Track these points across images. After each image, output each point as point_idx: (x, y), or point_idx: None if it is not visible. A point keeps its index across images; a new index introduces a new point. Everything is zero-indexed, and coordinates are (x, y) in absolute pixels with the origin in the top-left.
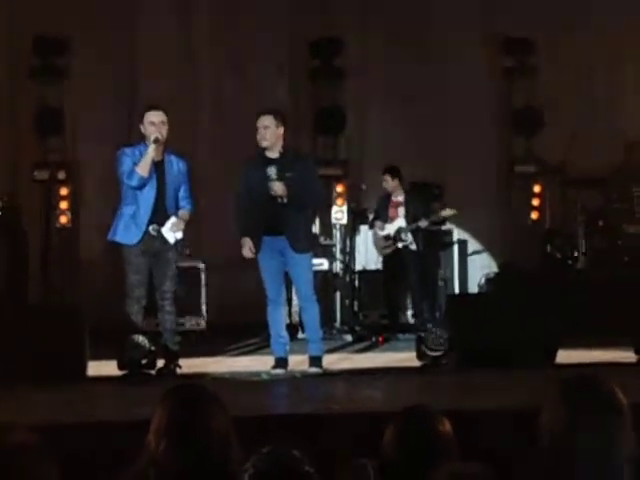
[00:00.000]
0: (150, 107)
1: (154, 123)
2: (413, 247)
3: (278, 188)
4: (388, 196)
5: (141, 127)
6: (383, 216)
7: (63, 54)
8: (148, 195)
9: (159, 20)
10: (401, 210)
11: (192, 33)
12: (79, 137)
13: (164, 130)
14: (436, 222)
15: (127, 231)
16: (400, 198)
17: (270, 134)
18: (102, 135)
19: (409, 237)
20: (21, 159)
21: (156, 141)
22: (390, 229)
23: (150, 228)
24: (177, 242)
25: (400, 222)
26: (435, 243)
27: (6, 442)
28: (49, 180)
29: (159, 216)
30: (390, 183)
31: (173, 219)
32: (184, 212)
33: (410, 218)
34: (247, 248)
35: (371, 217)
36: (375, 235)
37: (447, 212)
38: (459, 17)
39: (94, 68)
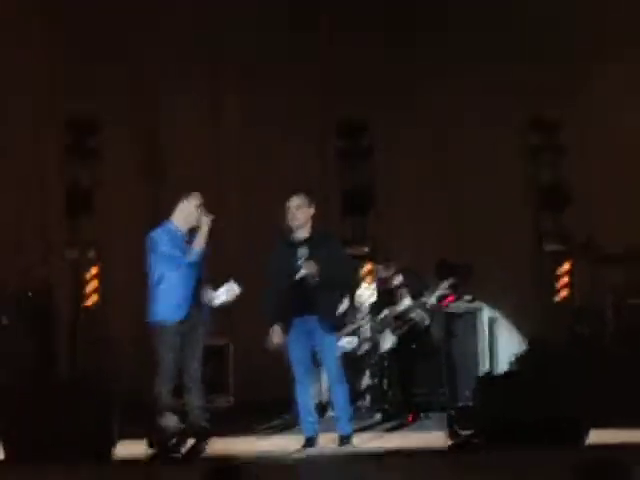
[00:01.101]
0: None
1: (196, 208)
2: (427, 322)
3: (311, 267)
4: (384, 282)
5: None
6: (387, 302)
7: (94, 134)
8: (190, 273)
9: (189, 100)
10: (403, 291)
11: (222, 114)
12: (109, 217)
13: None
14: (442, 296)
15: (168, 308)
16: (397, 282)
17: (301, 214)
18: (131, 215)
19: (420, 313)
20: (52, 238)
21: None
22: (398, 310)
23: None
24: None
25: (407, 302)
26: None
27: None
28: (79, 259)
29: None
30: (381, 272)
31: (229, 284)
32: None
33: (413, 296)
34: (277, 335)
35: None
36: (385, 319)
37: (445, 283)
38: (486, 91)
39: (124, 148)
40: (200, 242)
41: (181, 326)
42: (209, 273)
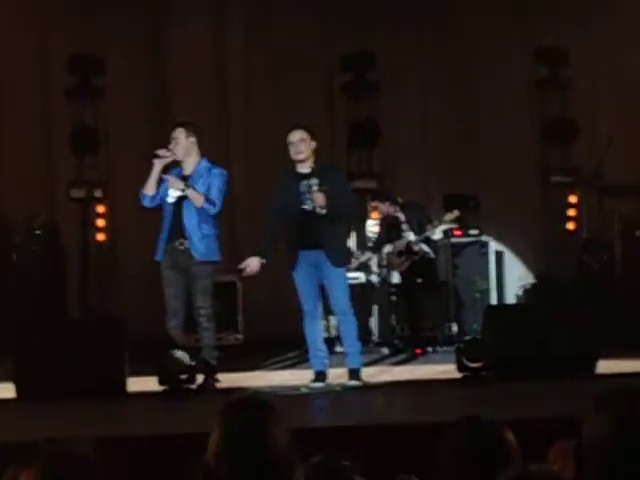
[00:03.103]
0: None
1: (170, 139)
2: (432, 256)
3: (320, 198)
4: (385, 219)
5: None
6: (389, 238)
7: (98, 73)
8: (169, 210)
9: (191, 35)
10: (405, 226)
11: (224, 49)
12: (115, 155)
13: (177, 147)
14: (448, 229)
15: (158, 247)
16: (402, 216)
17: (305, 147)
18: (137, 152)
19: (424, 247)
20: (57, 177)
21: (156, 156)
22: (400, 245)
23: (176, 243)
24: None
25: (409, 236)
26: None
27: (67, 454)
28: (86, 198)
29: (180, 230)
30: (383, 208)
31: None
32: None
33: (416, 231)
34: (251, 267)
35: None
36: (388, 255)
37: (449, 216)
38: (491, 27)
39: (128, 86)
40: (146, 185)
41: (173, 262)
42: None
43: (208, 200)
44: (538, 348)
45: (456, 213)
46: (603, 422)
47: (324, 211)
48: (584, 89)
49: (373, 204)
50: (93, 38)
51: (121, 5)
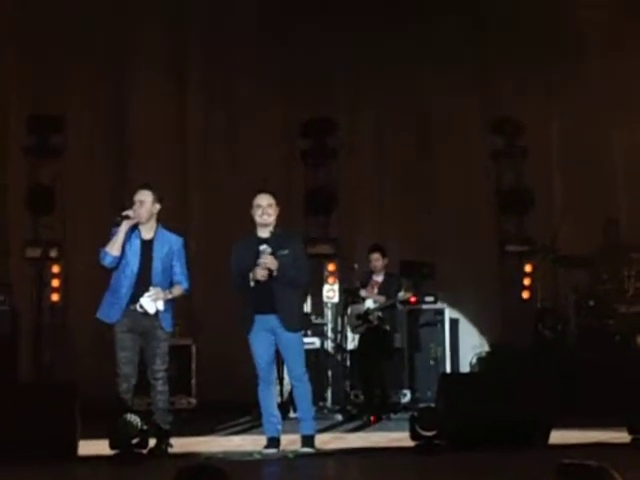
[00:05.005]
0: (137, 186)
1: (134, 202)
2: (386, 327)
3: (270, 261)
4: (370, 275)
5: None
6: (350, 302)
7: (57, 132)
8: (130, 274)
9: (152, 100)
10: (376, 291)
11: (184, 111)
12: (71, 215)
13: (142, 209)
14: (393, 305)
15: (109, 309)
16: (379, 279)
17: (272, 211)
18: (93, 213)
19: (377, 315)
20: (12, 236)
21: (126, 218)
22: (361, 309)
23: (137, 306)
24: (163, 317)
25: (369, 303)
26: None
27: None
28: (41, 257)
29: (142, 294)
30: (381, 262)
31: (152, 289)
32: (176, 287)
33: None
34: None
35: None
36: (348, 317)
37: (404, 295)
38: (449, 97)
39: (86, 147)
40: (110, 245)
41: (132, 325)
42: None
43: None
44: (492, 417)
45: (408, 295)
46: None
47: (276, 273)
48: (539, 160)
49: (332, 267)
50: (53, 98)
51: (82, 66)
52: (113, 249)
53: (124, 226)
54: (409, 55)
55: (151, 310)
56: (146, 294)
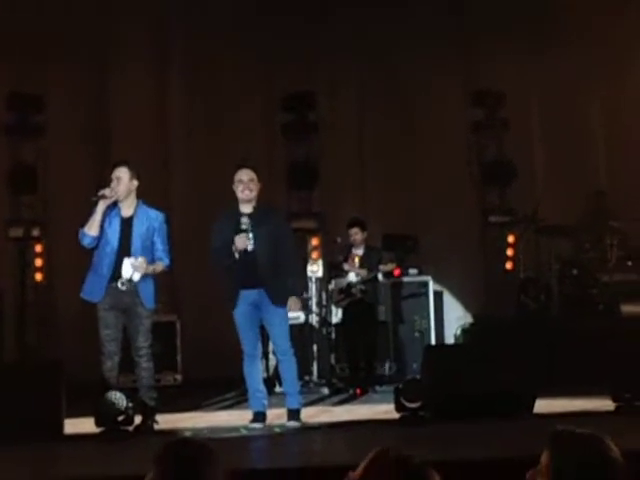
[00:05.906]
0: (113, 164)
1: (111, 179)
2: (370, 300)
3: (239, 241)
4: (350, 248)
5: None
6: (334, 276)
7: (38, 111)
8: (110, 251)
9: (132, 77)
10: (357, 264)
11: (165, 89)
12: (53, 194)
13: (119, 186)
14: (375, 277)
15: (92, 288)
16: (360, 252)
17: (254, 187)
18: (76, 192)
19: (360, 290)
20: None
21: (102, 197)
22: (343, 283)
23: (118, 283)
24: (144, 294)
25: (352, 277)
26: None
27: None
28: (23, 237)
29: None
30: (360, 235)
31: (140, 257)
32: (158, 264)
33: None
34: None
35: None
36: (331, 291)
37: (385, 267)
38: (429, 69)
39: (68, 126)
40: (88, 225)
41: (114, 303)
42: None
43: None
44: (476, 388)
45: (391, 266)
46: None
47: (251, 248)
48: (520, 131)
49: (315, 242)
50: (34, 76)
51: (62, 45)
52: (91, 229)
53: (101, 205)
54: (388, 28)
55: (127, 274)
56: (132, 258)
